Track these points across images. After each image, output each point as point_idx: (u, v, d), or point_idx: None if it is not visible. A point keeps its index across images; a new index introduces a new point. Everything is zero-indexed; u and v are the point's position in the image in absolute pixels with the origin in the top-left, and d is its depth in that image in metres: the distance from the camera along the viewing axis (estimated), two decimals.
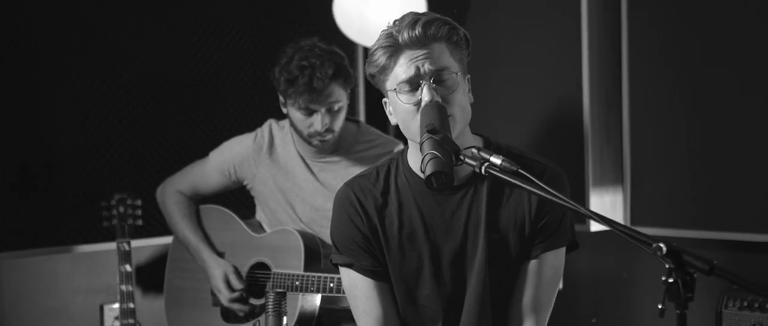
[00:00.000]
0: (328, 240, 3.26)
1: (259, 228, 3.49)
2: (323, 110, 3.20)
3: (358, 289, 2.38)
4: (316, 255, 3.28)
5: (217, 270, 3.42)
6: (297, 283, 3.21)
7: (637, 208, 3.59)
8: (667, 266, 1.68)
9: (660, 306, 1.67)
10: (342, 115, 3.26)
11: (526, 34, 3.83)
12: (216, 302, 3.49)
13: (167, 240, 3.69)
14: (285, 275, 3.26)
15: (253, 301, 3.41)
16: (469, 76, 2.31)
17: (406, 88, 2.21)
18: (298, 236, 3.27)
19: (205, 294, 3.52)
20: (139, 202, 3.62)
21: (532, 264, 2.32)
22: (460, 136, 2.21)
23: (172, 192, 3.54)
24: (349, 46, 4.06)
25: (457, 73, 2.22)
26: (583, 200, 3.60)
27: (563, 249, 2.35)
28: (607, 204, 3.67)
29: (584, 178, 3.63)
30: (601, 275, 3.88)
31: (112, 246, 3.59)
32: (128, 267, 3.51)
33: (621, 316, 3.84)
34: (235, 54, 4.04)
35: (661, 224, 3.50)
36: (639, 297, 3.78)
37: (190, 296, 3.57)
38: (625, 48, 3.57)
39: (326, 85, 3.16)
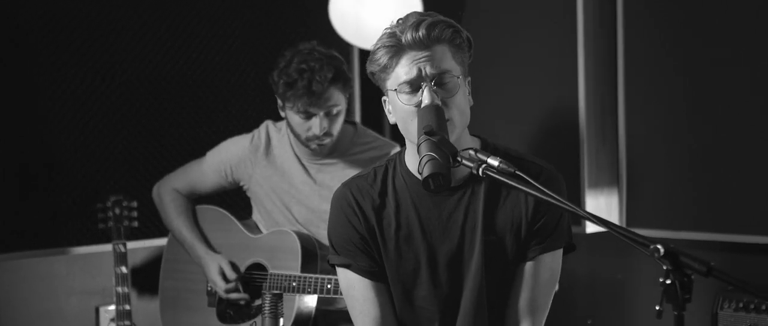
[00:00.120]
0: (325, 242, 3.27)
1: (255, 229, 3.49)
2: (322, 114, 3.20)
3: (355, 290, 2.38)
4: (313, 256, 3.28)
5: (213, 263, 3.41)
6: (294, 284, 3.21)
7: (632, 210, 3.59)
8: (664, 268, 1.68)
9: (658, 308, 1.67)
10: (340, 119, 3.26)
11: (523, 35, 3.83)
12: (212, 303, 3.49)
13: (163, 241, 3.69)
14: (282, 276, 3.26)
15: (250, 302, 3.41)
16: (469, 78, 2.32)
17: (407, 88, 2.22)
18: (295, 237, 3.27)
19: (201, 295, 3.52)
20: (134, 204, 3.62)
21: (529, 265, 2.32)
22: (458, 138, 2.22)
23: (169, 190, 3.53)
24: (345, 47, 4.07)
25: (458, 77, 2.22)
26: (579, 201, 3.60)
27: (560, 251, 2.35)
28: (603, 205, 3.67)
29: (580, 180, 3.64)
30: (596, 276, 3.88)
31: (107, 247, 3.59)
32: (124, 269, 3.51)
33: (616, 318, 3.84)
34: (235, 55, 4.04)
35: (656, 225, 3.50)
36: (634, 299, 3.78)
37: (184, 297, 3.57)
38: (621, 49, 3.58)
39: (325, 88, 3.16)
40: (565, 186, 2.34)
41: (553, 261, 2.34)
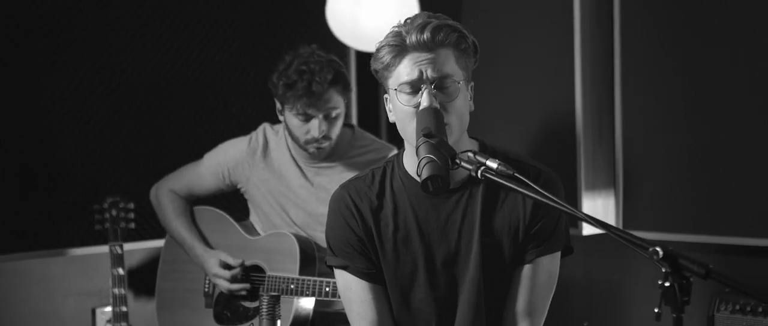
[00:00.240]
0: (323, 244, 3.27)
1: (253, 230, 3.49)
2: (321, 116, 3.20)
3: (352, 292, 2.38)
4: (311, 258, 3.27)
5: (212, 259, 3.41)
6: (292, 287, 3.21)
7: (629, 212, 3.60)
8: (663, 270, 1.68)
9: (656, 310, 1.68)
10: (339, 123, 3.26)
11: (519, 35, 3.83)
12: (209, 304, 3.49)
13: (160, 243, 3.69)
14: (280, 278, 3.26)
15: (247, 304, 3.41)
16: (472, 83, 2.32)
17: (407, 89, 2.22)
18: (294, 239, 3.27)
19: (198, 297, 3.52)
20: (131, 205, 3.61)
21: (527, 268, 2.32)
22: (456, 141, 2.22)
23: (166, 192, 3.53)
24: (343, 49, 4.07)
25: (459, 81, 2.22)
26: (576, 203, 3.60)
27: (558, 254, 2.36)
28: (600, 207, 3.67)
29: (576, 181, 3.64)
30: (593, 278, 3.89)
31: (104, 249, 3.58)
32: (121, 271, 3.50)
33: (613, 319, 3.84)
34: (234, 55, 4.04)
35: (653, 228, 3.50)
36: (631, 301, 3.78)
37: (181, 297, 3.57)
38: (618, 50, 3.58)
39: (325, 90, 3.16)
40: (563, 190, 2.34)
41: (551, 264, 2.34)
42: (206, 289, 3.49)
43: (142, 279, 3.88)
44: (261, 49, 4.08)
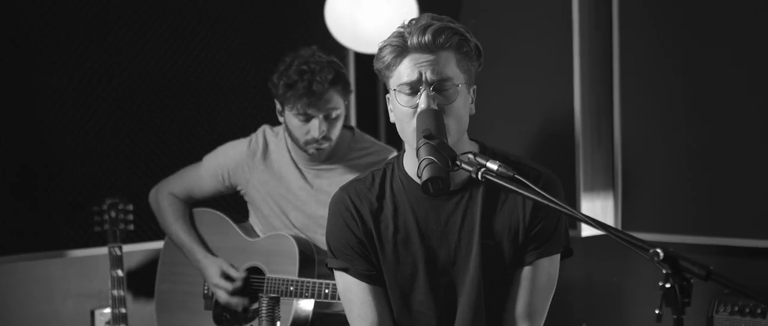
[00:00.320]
0: (322, 246, 3.27)
1: (252, 232, 3.48)
2: (321, 117, 3.20)
3: (352, 294, 2.38)
4: (310, 260, 3.27)
5: (213, 267, 3.41)
6: (291, 289, 3.21)
7: (628, 213, 3.60)
8: (663, 271, 1.68)
9: (657, 312, 1.68)
10: (339, 124, 3.26)
11: (518, 36, 3.83)
12: (208, 306, 3.48)
13: (159, 244, 3.69)
14: (279, 280, 3.26)
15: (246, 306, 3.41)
16: (475, 87, 2.32)
17: (407, 90, 2.22)
18: (293, 241, 3.27)
19: (197, 298, 3.52)
20: (130, 207, 3.61)
21: (527, 270, 2.32)
22: (455, 144, 2.22)
23: (166, 195, 3.53)
24: (341, 50, 4.07)
25: (459, 85, 2.22)
26: (575, 205, 3.61)
27: (558, 256, 2.36)
28: (599, 208, 3.67)
29: (575, 183, 3.64)
30: (592, 279, 3.89)
31: (103, 250, 3.58)
32: (120, 272, 3.50)
33: (612, 320, 3.84)
34: (234, 55, 4.04)
35: (652, 229, 3.51)
36: (630, 302, 3.79)
37: (180, 299, 3.57)
38: (617, 52, 3.58)
39: (325, 90, 3.16)
40: (563, 192, 2.34)
41: (550, 266, 2.34)
42: (205, 291, 3.49)
43: (141, 281, 3.88)
44: (260, 49, 4.08)
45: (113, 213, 3.56)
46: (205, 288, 3.49)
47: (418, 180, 2.18)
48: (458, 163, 2.04)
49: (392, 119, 2.31)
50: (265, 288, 3.30)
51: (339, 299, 2.77)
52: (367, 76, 4.38)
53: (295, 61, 3.21)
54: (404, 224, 2.33)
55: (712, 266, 1.67)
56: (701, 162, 3.41)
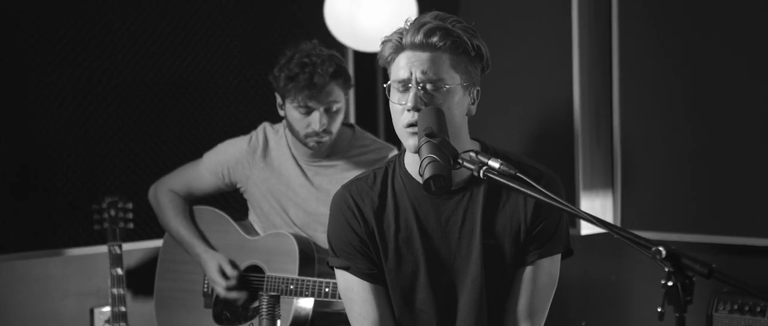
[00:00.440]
0: (322, 244, 3.27)
1: (252, 230, 3.48)
2: (322, 109, 3.20)
3: (354, 292, 2.38)
4: (310, 259, 3.27)
5: (212, 261, 3.41)
6: (292, 287, 3.21)
7: (627, 212, 3.60)
8: (666, 269, 1.69)
9: (659, 310, 1.68)
10: (340, 117, 3.27)
11: (517, 36, 3.83)
12: (208, 304, 3.48)
13: (158, 243, 3.69)
14: (279, 279, 3.26)
15: (246, 304, 3.41)
16: (478, 88, 2.31)
17: (399, 87, 2.23)
18: (293, 240, 3.27)
19: (197, 296, 3.52)
20: (130, 205, 3.61)
21: (528, 270, 2.33)
22: (453, 143, 2.21)
23: (165, 191, 3.53)
24: (340, 49, 4.07)
25: (450, 86, 2.21)
26: (574, 203, 3.60)
27: (559, 256, 2.36)
28: (598, 207, 3.68)
29: (575, 182, 3.64)
30: (590, 278, 3.89)
31: (102, 249, 3.58)
32: (119, 271, 3.50)
33: (610, 319, 3.85)
34: (232, 55, 4.04)
35: (651, 227, 3.51)
36: (628, 300, 3.79)
37: (180, 297, 3.57)
38: (616, 50, 3.58)
39: (327, 82, 3.17)
40: (564, 191, 2.34)
41: (551, 266, 2.35)
42: (205, 289, 3.49)
43: (140, 279, 3.88)
44: (259, 48, 4.08)
45: (113, 212, 3.56)
46: (205, 285, 3.49)
47: (419, 179, 2.18)
48: (460, 161, 2.04)
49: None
50: (265, 286, 3.30)
51: (339, 298, 2.77)
52: (366, 74, 4.39)
53: (296, 54, 3.22)
54: (405, 223, 2.33)
55: (713, 264, 1.68)
56: (700, 160, 3.41)
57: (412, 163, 2.31)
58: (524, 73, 3.82)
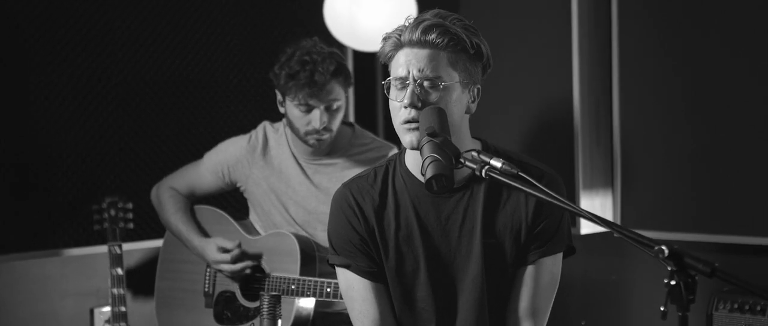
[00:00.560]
0: (322, 243, 3.27)
1: (253, 230, 3.48)
2: (322, 107, 3.21)
3: (354, 290, 2.38)
4: (311, 259, 3.27)
5: (210, 245, 3.39)
6: (293, 287, 3.21)
7: (627, 211, 3.60)
8: (668, 268, 1.69)
9: (662, 309, 1.68)
10: (340, 115, 3.27)
11: (517, 35, 3.83)
12: (208, 304, 3.48)
13: (159, 243, 3.68)
14: (281, 279, 3.26)
15: (248, 304, 3.41)
16: (479, 87, 2.31)
17: (398, 84, 2.23)
18: (294, 240, 3.27)
19: (198, 296, 3.51)
20: (130, 205, 3.61)
21: (530, 269, 2.33)
22: (454, 140, 2.21)
23: (167, 189, 3.53)
24: (339, 48, 4.07)
25: (448, 83, 2.21)
26: (574, 203, 3.56)
27: (560, 255, 2.36)
28: (598, 206, 3.68)
29: (575, 181, 3.64)
30: (590, 278, 3.89)
31: (102, 249, 3.58)
32: (119, 271, 3.50)
33: (610, 318, 3.85)
34: (232, 55, 4.04)
35: (651, 227, 3.51)
36: (628, 300, 3.79)
37: (180, 297, 3.56)
38: (616, 49, 3.59)
39: (327, 80, 3.17)
40: (565, 191, 2.35)
41: (553, 265, 2.35)
42: (206, 289, 3.49)
43: (140, 279, 3.88)
44: (259, 47, 4.08)
45: (113, 212, 3.56)
46: (206, 285, 3.49)
47: (419, 177, 2.18)
48: (462, 160, 2.04)
49: None
50: (266, 286, 3.30)
51: (340, 298, 2.77)
52: (366, 73, 4.39)
53: (297, 51, 3.22)
54: (406, 221, 2.33)
55: (716, 263, 1.68)
56: (700, 160, 3.42)
57: (412, 162, 2.32)
58: (524, 72, 3.82)
